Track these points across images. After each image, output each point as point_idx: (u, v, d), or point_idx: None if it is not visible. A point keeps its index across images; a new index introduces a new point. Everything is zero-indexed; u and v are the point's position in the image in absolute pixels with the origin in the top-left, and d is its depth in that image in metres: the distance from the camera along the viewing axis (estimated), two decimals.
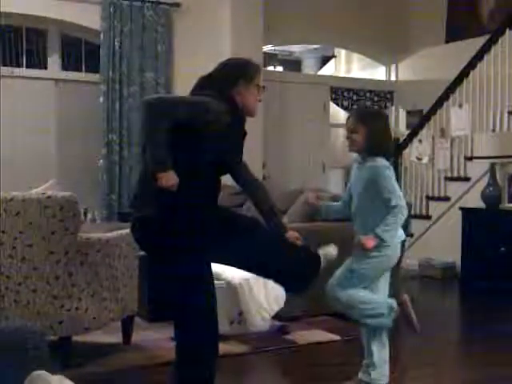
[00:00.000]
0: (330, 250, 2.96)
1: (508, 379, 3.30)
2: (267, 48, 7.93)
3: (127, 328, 3.73)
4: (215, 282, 3.88)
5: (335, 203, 3.25)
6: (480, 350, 3.91)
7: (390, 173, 2.88)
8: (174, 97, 2.59)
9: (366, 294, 2.95)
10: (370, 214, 2.92)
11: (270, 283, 3.93)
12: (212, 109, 2.51)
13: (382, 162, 2.90)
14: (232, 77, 2.67)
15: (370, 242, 2.84)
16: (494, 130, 6.19)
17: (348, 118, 3.02)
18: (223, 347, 3.58)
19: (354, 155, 3.06)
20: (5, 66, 6.20)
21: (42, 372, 1.78)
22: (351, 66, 8.89)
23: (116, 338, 3.75)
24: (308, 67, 9.61)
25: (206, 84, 2.68)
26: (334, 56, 9.21)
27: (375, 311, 2.93)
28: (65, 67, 6.58)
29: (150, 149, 2.47)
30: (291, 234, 2.84)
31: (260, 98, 2.75)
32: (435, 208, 6.49)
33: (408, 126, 7.82)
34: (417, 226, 6.53)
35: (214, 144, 2.55)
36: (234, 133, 2.64)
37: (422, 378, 3.34)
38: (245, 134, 2.72)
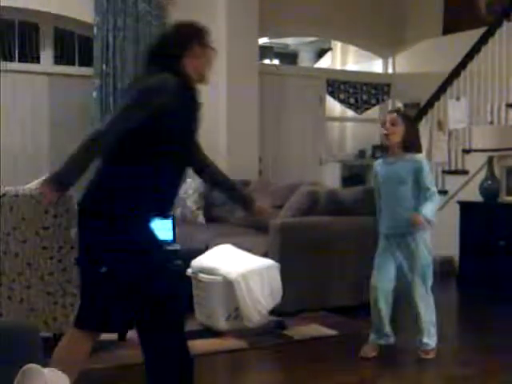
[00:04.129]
0: None
1: (501, 374, 3.29)
2: (263, 41, 7.87)
3: None
4: (212, 277, 3.88)
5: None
6: (476, 344, 3.89)
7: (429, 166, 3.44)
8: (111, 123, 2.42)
9: None
10: (409, 200, 3.36)
11: (267, 278, 3.89)
12: (165, 90, 2.28)
13: (422, 156, 3.43)
14: (186, 40, 2.40)
15: (420, 218, 3.31)
16: (491, 123, 6.15)
17: (389, 112, 3.59)
18: (220, 343, 3.57)
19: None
20: None
21: (34, 365, 1.79)
22: (347, 59, 8.84)
23: (111, 334, 3.71)
24: (304, 60, 9.56)
25: (157, 52, 2.42)
26: (330, 49, 9.16)
27: None
28: (58, 61, 6.51)
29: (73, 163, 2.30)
30: (259, 207, 2.71)
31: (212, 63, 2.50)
32: None
33: None
34: None
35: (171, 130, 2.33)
36: (187, 110, 2.38)
37: (418, 372, 3.33)
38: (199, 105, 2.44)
